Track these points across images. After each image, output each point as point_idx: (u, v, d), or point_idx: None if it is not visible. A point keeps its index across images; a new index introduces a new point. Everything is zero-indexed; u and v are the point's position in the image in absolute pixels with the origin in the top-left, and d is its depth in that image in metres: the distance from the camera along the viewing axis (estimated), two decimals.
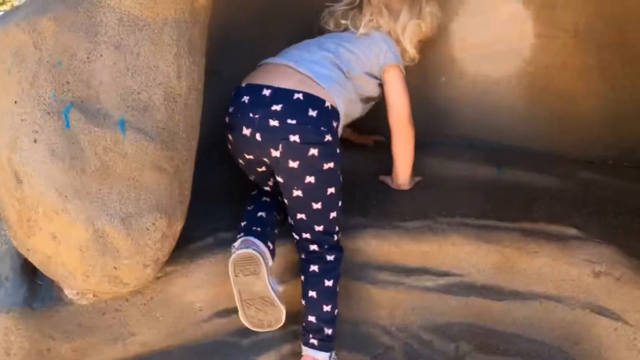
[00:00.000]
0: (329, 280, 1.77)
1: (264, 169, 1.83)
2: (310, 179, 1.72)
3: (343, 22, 2.04)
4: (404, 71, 2.00)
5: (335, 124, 1.77)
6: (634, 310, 1.73)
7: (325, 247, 1.78)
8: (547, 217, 1.89)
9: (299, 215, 1.77)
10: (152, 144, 1.51)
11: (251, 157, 1.80)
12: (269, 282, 1.68)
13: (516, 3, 2.13)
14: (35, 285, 1.79)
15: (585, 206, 1.98)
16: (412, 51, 2.03)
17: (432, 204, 1.95)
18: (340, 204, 1.79)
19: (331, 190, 1.75)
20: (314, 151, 1.70)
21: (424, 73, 2.18)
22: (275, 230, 1.83)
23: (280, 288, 1.80)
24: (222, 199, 2.02)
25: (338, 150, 1.77)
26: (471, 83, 2.25)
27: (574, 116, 2.23)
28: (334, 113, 1.78)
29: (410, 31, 2.02)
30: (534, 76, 2.21)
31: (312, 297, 1.76)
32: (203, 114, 1.80)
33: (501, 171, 2.11)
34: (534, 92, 2.22)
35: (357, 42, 1.98)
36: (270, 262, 1.73)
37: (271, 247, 1.76)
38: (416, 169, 2.06)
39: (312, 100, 1.73)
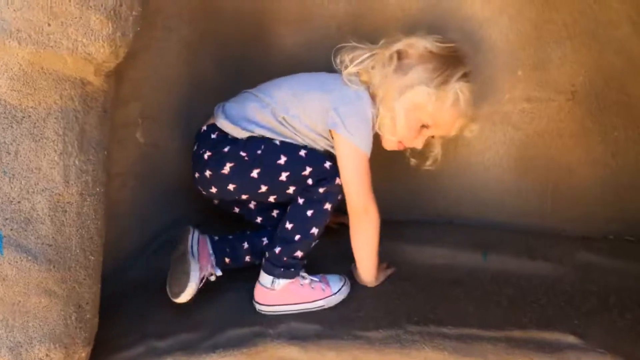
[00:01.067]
0: (301, 199, 1.50)
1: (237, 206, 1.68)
2: (230, 187, 1.52)
3: (346, 60, 1.54)
4: (361, 145, 1.47)
5: (213, 135, 1.55)
6: None
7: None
8: (540, 320, 1.44)
9: (271, 198, 1.56)
10: (37, 264, 1.09)
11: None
12: (191, 247, 1.50)
13: (503, 64, 1.69)
14: None
15: (585, 301, 1.52)
16: (400, 117, 1.48)
17: (401, 306, 1.49)
18: (282, 160, 1.48)
19: (255, 172, 1.49)
20: (207, 173, 1.53)
21: None
22: (238, 243, 1.62)
23: (218, 272, 1.53)
24: (162, 295, 1.60)
25: (227, 148, 1.51)
26: (453, 153, 1.78)
27: (570, 188, 1.79)
28: (208, 131, 1.57)
29: (411, 96, 1.47)
30: (524, 144, 1.76)
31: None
32: (144, 196, 1.55)
33: (487, 258, 1.67)
34: (524, 162, 1.77)
35: (323, 86, 1.53)
36: (208, 248, 1.55)
37: (216, 240, 1.59)
38: (387, 256, 1.61)
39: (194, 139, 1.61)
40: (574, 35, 1.66)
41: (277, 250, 1.50)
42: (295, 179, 1.48)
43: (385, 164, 1.63)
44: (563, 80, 1.69)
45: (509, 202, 1.80)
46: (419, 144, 1.56)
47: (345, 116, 1.47)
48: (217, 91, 1.64)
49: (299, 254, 1.50)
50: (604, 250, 1.74)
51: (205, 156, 1.53)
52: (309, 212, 1.49)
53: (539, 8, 1.64)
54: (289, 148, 1.49)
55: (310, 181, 1.47)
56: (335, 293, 1.50)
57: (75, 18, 0.99)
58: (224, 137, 1.54)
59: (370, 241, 1.53)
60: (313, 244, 1.53)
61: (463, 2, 1.65)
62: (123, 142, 1.51)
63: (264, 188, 1.50)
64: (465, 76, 1.51)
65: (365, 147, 1.48)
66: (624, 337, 1.41)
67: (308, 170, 1.47)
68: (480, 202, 1.81)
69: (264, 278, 1.50)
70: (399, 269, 1.63)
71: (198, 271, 1.46)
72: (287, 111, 1.51)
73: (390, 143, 1.56)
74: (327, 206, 1.50)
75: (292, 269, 1.50)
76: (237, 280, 1.59)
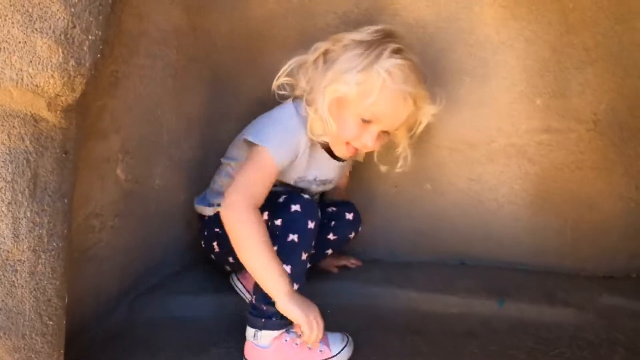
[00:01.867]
0: None
1: None
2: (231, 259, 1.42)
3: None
4: (272, 151, 1.25)
5: (199, 224, 1.50)
6: None
7: None
8: None
9: None
10: None
11: None
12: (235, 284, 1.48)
13: (519, 91, 1.47)
14: None
15: (612, 352, 1.29)
16: (325, 115, 1.24)
17: None
18: None
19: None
20: (213, 256, 1.49)
21: (405, 179, 1.52)
22: None
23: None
24: (144, 345, 1.37)
25: (206, 231, 1.45)
26: (463, 190, 1.56)
27: (590, 224, 1.56)
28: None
29: (332, 90, 1.23)
30: (541, 179, 1.53)
31: None
32: (125, 236, 1.30)
33: (503, 305, 1.44)
34: (541, 198, 1.55)
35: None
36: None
37: None
38: (395, 305, 1.38)
39: None
40: (595, 60, 1.44)
41: (254, 299, 1.27)
42: None
43: (391, 202, 1.41)
44: (584, 108, 1.47)
45: (525, 241, 1.58)
46: (369, 142, 1.28)
47: (261, 125, 1.31)
48: (207, 123, 1.43)
49: (254, 299, 1.26)
50: (627, 291, 1.51)
51: (202, 244, 1.49)
52: (274, 248, 1.25)
53: (558, 30, 1.43)
54: None
55: (269, 222, 1.27)
56: (336, 355, 1.24)
57: (20, 43, 0.77)
58: (202, 219, 1.47)
59: (243, 247, 1.21)
60: (295, 287, 1.24)
61: (476, 25, 1.43)
62: (102, 179, 1.29)
63: None
64: (397, 52, 1.24)
65: (275, 154, 1.25)
66: None
67: (266, 214, 1.28)
68: (494, 242, 1.58)
69: (248, 331, 1.26)
70: (406, 321, 1.40)
71: (246, 292, 1.45)
72: (229, 156, 1.42)
73: (338, 148, 1.34)
74: (292, 237, 1.24)
75: (274, 319, 1.24)
76: (229, 335, 1.37)
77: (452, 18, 1.43)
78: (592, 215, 1.56)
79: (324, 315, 1.23)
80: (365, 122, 1.26)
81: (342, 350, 1.24)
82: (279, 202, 1.28)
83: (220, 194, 1.40)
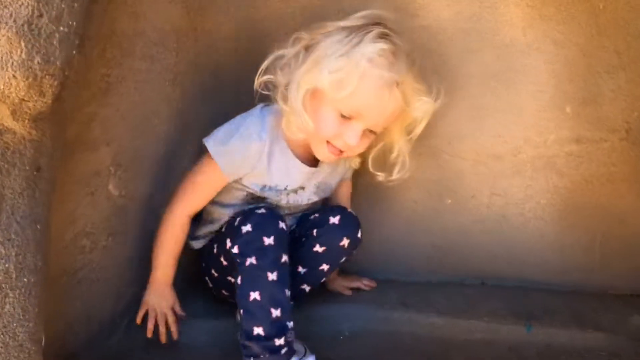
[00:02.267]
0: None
1: None
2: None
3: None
4: (215, 154, 1.13)
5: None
6: None
7: None
8: None
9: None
10: None
11: None
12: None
13: (548, 98, 1.29)
14: None
15: None
16: (298, 108, 1.07)
17: None
18: (215, 248, 1.25)
19: (213, 271, 1.30)
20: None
21: (424, 193, 1.35)
22: None
23: None
24: None
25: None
26: (486, 204, 1.38)
27: (620, 240, 1.40)
28: None
29: (307, 77, 1.06)
30: (570, 192, 1.36)
31: None
32: (119, 257, 1.18)
33: (531, 329, 1.26)
34: (569, 212, 1.37)
35: None
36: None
37: None
38: (409, 329, 1.22)
39: None
40: (627, 64, 1.28)
41: (239, 335, 1.11)
42: (228, 255, 1.16)
43: (408, 217, 1.24)
44: (616, 116, 1.30)
45: (551, 259, 1.40)
46: (351, 140, 1.08)
47: (220, 131, 1.17)
48: (208, 132, 1.25)
49: (257, 331, 1.07)
50: None
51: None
52: (239, 280, 1.10)
53: (588, 32, 1.26)
54: (219, 235, 1.24)
55: (231, 252, 1.12)
56: None
57: None
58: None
59: (157, 241, 1.22)
60: (275, 313, 1.07)
61: (501, 26, 1.26)
62: (92, 194, 1.12)
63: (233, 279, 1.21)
64: (382, 37, 1.06)
65: (221, 162, 1.14)
66: None
67: (228, 240, 1.15)
68: (518, 260, 1.41)
69: None
70: (429, 348, 1.22)
71: None
72: None
73: (318, 149, 1.15)
74: (250, 261, 1.08)
75: (262, 356, 1.07)
76: None
77: (475, 18, 1.26)
78: (622, 231, 1.39)
79: (336, 341, 1.07)
80: (345, 118, 1.08)
81: None
82: (235, 225, 1.13)
83: (208, 221, 1.28)
